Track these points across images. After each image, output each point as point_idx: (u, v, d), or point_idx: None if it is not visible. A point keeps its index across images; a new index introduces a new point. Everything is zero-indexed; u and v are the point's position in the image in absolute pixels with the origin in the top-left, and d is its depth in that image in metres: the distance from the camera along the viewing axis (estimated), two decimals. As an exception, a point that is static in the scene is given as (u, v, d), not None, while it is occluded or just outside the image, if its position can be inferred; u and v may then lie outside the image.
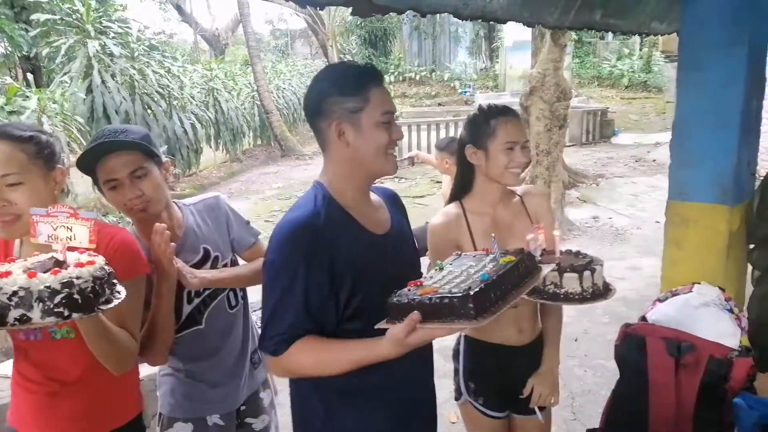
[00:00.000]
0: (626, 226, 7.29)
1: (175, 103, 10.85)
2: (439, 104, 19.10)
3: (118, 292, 1.27)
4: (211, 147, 13.58)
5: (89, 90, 8.99)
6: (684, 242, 2.50)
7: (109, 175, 1.64)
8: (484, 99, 18.42)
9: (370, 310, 1.38)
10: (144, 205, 1.69)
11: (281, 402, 3.61)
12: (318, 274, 1.36)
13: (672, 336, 1.88)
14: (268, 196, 11.04)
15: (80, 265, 1.20)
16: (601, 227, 7.33)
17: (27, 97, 7.51)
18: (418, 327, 1.21)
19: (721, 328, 1.90)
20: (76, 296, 1.14)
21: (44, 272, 1.15)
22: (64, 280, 1.14)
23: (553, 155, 6.85)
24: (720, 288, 2.23)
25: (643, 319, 2.15)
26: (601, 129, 14.10)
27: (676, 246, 2.52)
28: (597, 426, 2.02)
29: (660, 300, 2.28)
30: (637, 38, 22.56)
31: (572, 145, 12.99)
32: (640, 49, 21.49)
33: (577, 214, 7.82)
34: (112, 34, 9.50)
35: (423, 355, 1.55)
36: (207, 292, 1.87)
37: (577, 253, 1.70)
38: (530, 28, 8.89)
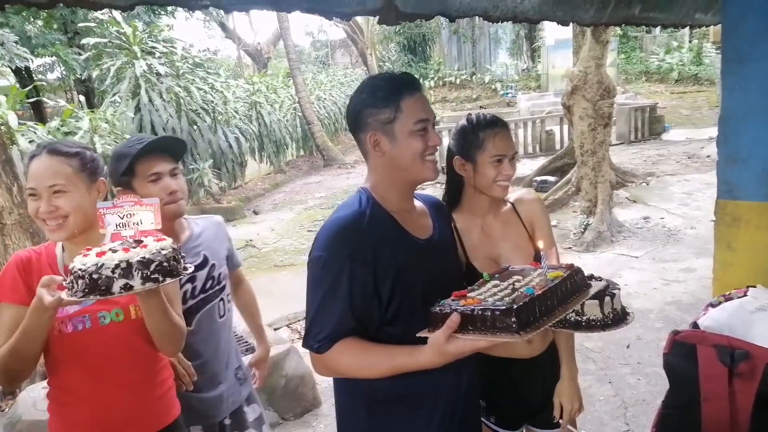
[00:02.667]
0: (679, 226, 7.00)
1: (219, 118, 11.14)
2: (481, 107, 18.95)
3: (186, 266, 1.45)
4: (255, 159, 13.87)
5: (137, 109, 9.33)
6: (736, 243, 2.37)
7: (152, 169, 1.84)
8: (526, 100, 18.17)
9: (410, 315, 1.42)
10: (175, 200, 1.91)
11: (325, 413, 3.65)
12: (362, 272, 1.39)
13: (724, 343, 1.77)
14: (311, 205, 11.16)
15: (160, 239, 1.41)
16: (653, 228, 7.06)
17: (80, 118, 7.86)
18: (459, 337, 1.22)
19: (778, 335, 1.78)
20: (165, 263, 1.35)
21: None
22: (154, 251, 1.34)
23: (598, 155, 6.65)
24: (777, 291, 2.09)
25: (695, 325, 2.04)
26: (651, 126, 13.62)
27: (728, 247, 2.39)
28: (647, 439, 1.93)
29: (712, 305, 2.16)
30: (686, 30, 21.83)
31: (620, 144, 12.62)
32: (690, 41, 20.76)
33: (626, 215, 7.56)
34: (158, 54, 9.84)
35: (466, 366, 1.53)
36: (203, 295, 1.97)
37: (591, 276, 1.62)
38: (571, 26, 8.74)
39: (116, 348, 1.61)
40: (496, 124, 1.83)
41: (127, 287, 1.30)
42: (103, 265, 1.29)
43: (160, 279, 1.34)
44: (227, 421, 2.07)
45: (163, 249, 1.37)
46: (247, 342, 3.90)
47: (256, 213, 11.18)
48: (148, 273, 1.32)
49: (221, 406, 2.04)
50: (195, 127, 10.27)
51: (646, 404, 3.43)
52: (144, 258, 1.32)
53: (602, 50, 6.46)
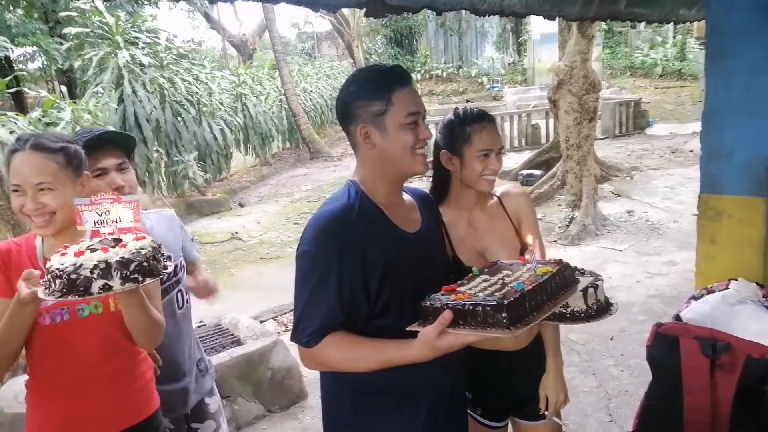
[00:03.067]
0: (662, 220, 7.09)
1: (204, 109, 11.02)
2: (467, 101, 18.96)
3: (166, 264, 1.44)
4: (240, 152, 13.78)
5: (121, 100, 9.20)
6: (718, 237, 2.40)
7: (97, 164, 1.84)
8: (512, 94, 18.22)
9: (398, 308, 1.43)
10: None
11: (311, 405, 3.65)
12: (351, 265, 1.39)
13: (707, 335, 1.80)
14: (298, 198, 11.13)
15: (139, 239, 1.39)
16: (637, 221, 7.14)
17: (62, 108, 7.72)
18: (450, 332, 1.22)
19: (759, 327, 1.81)
20: (144, 263, 1.34)
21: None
22: (133, 251, 1.33)
23: (583, 149, 6.70)
24: (758, 284, 2.13)
25: (677, 318, 2.07)
26: (635, 120, 13.75)
27: (710, 241, 2.42)
28: (631, 429, 1.96)
29: (695, 297, 2.19)
30: (670, 26, 21.98)
31: (605, 138, 12.72)
32: (674, 37, 20.93)
33: (611, 208, 7.63)
34: (141, 45, 9.70)
35: (453, 361, 1.53)
36: (163, 286, 1.95)
37: (575, 268, 1.64)
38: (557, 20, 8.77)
39: (95, 340, 1.60)
40: (483, 118, 1.83)
41: (106, 288, 1.29)
42: (81, 265, 1.27)
43: (140, 279, 1.33)
44: (190, 413, 2.10)
45: (142, 248, 1.36)
46: (232, 335, 3.90)
47: (241, 205, 11.12)
48: (128, 273, 1.31)
49: (187, 398, 2.06)
50: (180, 118, 10.16)
51: (629, 395, 3.48)
52: (123, 258, 1.31)
53: (588, 45, 6.49)
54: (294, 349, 3.79)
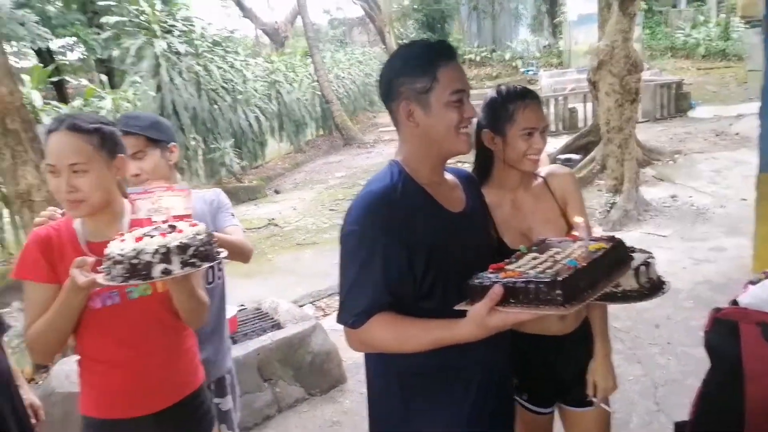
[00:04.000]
0: (708, 205, 6.85)
1: (239, 97, 11.12)
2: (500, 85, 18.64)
3: (219, 250, 1.47)
4: (275, 139, 13.88)
5: (158, 88, 9.34)
6: (779, 218, 2.29)
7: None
8: (548, 77, 17.85)
9: (444, 289, 1.40)
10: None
11: (351, 389, 3.67)
12: (396, 245, 1.36)
13: (769, 321, 1.71)
14: (332, 185, 11.16)
15: (193, 225, 1.42)
16: (681, 206, 6.92)
17: (102, 97, 7.90)
18: (501, 310, 1.18)
19: (826, 312, 1.71)
20: (201, 248, 1.37)
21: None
22: (190, 236, 1.36)
23: (625, 132, 6.50)
24: (824, 267, 2.02)
25: (734, 303, 1.98)
26: (677, 102, 13.29)
27: (770, 223, 2.31)
28: (684, 419, 1.88)
29: (752, 282, 2.09)
30: (713, 4, 21.20)
31: (645, 121, 12.34)
32: (717, 16, 20.15)
33: (653, 193, 7.41)
34: (177, 33, 9.81)
35: (500, 341, 1.50)
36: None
37: (630, 248, 1.56)
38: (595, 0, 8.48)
39: (144, 320, 1.63)
40: (526, 95, 1.77)
41: (167, 272, 1.32)
42: (142, 250, 1.30)
43: (197, 264, 1.36)
44: (212, 387, 2.13)
45: (198, 234, 1.39)
46: (272, 319, 3.93)
47: (277, 192, 11.21)
48: (186, 258, 1.34)
49: (207, 368, 2.07)
50: (215, 106, 10.27)
51: (677, 384, 3.38)
52: (182, 243, 1.34)
53: (629, 23, 6.27)
54: (333, 333, 3.84)
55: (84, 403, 1.68)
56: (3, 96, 3.53)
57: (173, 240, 1.33)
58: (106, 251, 1.36)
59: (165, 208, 1.45)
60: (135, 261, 1.29)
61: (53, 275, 1.54)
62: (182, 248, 1.33)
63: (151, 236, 1.35)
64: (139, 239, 1.33)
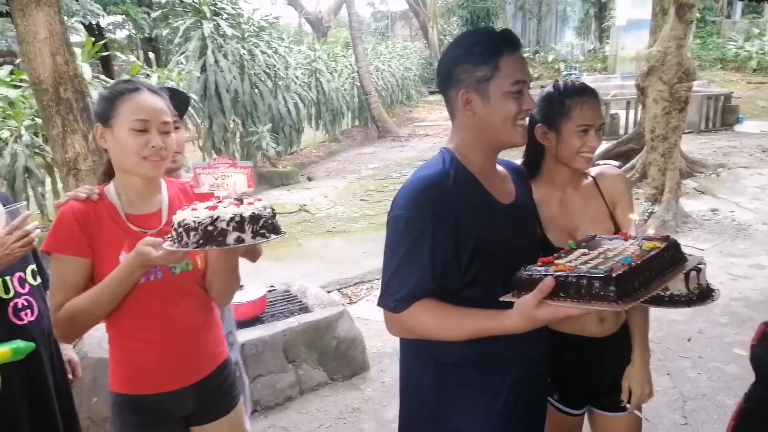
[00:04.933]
0: (750, 221, 6.64)
1: (280, 83, 11.20)
2: (542, 87, 18.41)
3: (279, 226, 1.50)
4: (311, 126, 13.95)
5: (203, 69, 9.47)
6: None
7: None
8: (591, 82, 17.45)
9: (488, 280, 1.38)
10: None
11: (373, 377, 3.68)
12: (445, 232, 1.35)
13: (819, 338, 1.65)
14: (365, 176, 11.17)
15: (251, 203, 1.43)
16: (722, 221, 6.73)
17: (148, 75, 8.06)
18: (550, 303, 1.16)
19: None
20: (269, 221, 1.40)
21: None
22: (260, 208, 1.39)
23: (670, 141, 6.34)
24: None
25: (781, 318, 1.92)
26: (723, 115, 12.92)
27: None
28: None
29: (801, 299, 2.03)
30: (769, 16, 20.49)
31: (689, 132, 12.02)
32: (774, 29, 19.50)
33: (693, 205, 7.23)
34: (225, 16, 9.92)
35: (539, 337, 1.49)
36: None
37: None
38: (647, 4, 8.28)
39: (183, 295, 1.65)
40: (584, 92, 1.73)
41: (239, 240, 1.35)
42: (218, 218, 1.34)
43: (266, 234, 1.39)
44: None
45: (266, 207, 1.42)
46: (300, 302, 3.96)
47: (310, 179, 11.28)
48: (257, 228, 1.37)
49: None
50: (256, 90, 10.36)
51: (706, 399, 3.30)
52: (254, 213, 1.37)
53: (685, 30, 6.10)
54: (359, 321, 3.85)
55: (118, 380, 1.67)
56: (59, 65, 3.62)
57: (246, 210, 1.37)
58: (177, 218, 1.39)
59: (227, 185, 1.48)
60: (211, 228, 1.33)
61: (89, 250, 1.54)
62: (254, 219, 1.37)
63: (225, 206, 1.38)
64: (213, 208, 1.36)
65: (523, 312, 1.20)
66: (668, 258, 1.28)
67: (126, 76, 8.31)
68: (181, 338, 1.66)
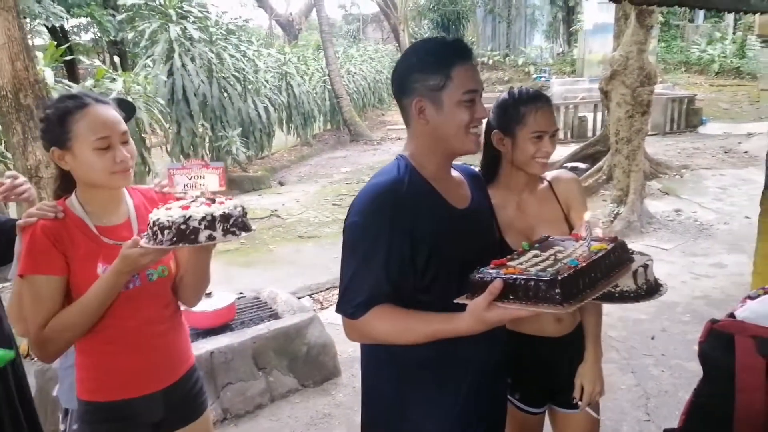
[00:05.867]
0: (712, 221, 6.84)
1: (249, 86, 11.13)
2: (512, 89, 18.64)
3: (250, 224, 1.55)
4: (282, 130, 13.89)
5: (170, 73, 9.35)
6: (781, 236, 2.29)
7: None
8: (560, 85, 17.84)
9: (444, 284, 1.40)
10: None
11: (344, 383, 3.68)
12: (399, 238, 1.38)
13: (764, 334, 1.72)
14: (337, 180, 11.16)
15: (229, 199, 1.49)
16: (684, 221, 6.91)
17: (114, 79, 7.91)
18: (500, 305, 1.19)
19: (822, 331, 1.72)
20: (240, 219, 1.45)
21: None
22: (231, 208, 1.44)
23: (633, 143, 6.49)
24: (822, 287, 2.02)
25: (731, 316, 1.99)
26: (687, 117, 13.26)
27: (772, 240, 2.32)
28: (676, 426, 1.89)
29: (751, 297, 2.10)
30: (730, 21, 21.11)
31: (654, 135, 12.31)
32: (734, 33, 20.08)
33: (657, 206, 7.41)
34: (192, 19, 9.82)
35: (498, 339, 1.52)
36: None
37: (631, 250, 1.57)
38: (613, 9, 8.46)
39: (158, 301, 1.67)
40: (538, 99, 1.78)
41: (211, 237, 1.40)
42: (191, 217, 1.39)
43: (237, 233, 1.43)
44: None
45: (236, 207, 1.46)
46: (270, 308, 3.95)
47: (281, 184, 11.23)
48: (228, 226, 1.42)
49: None
50: (225, 94, 10.27)
51: (669, 396, 3.39)
52: (224, 213, 1.42)
53: (645, 35, 6.26)
54: (330, 326, 3.85)
55: (87, 388, 1.65)
56: (18, 71, 3.55)
57: (217, 210, 1.42)
58: (152, 217, 1.42)
59: (200, 184, 1.53)
60: (183, 227, 1.38)
61: (65, 266, 1.53)
62: (225, 217, 1.41)
63: (197, 205, 1.43)
64: (186, 207, 1.41)
65: (475, 314, 1.23)
66: (615, 259, 1.31)
67: (90, 80, 8.16)
68: (157, 341, 1.67)
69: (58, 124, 1.52)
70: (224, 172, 1.56)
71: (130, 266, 1.47)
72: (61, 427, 1.97)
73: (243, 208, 1.49)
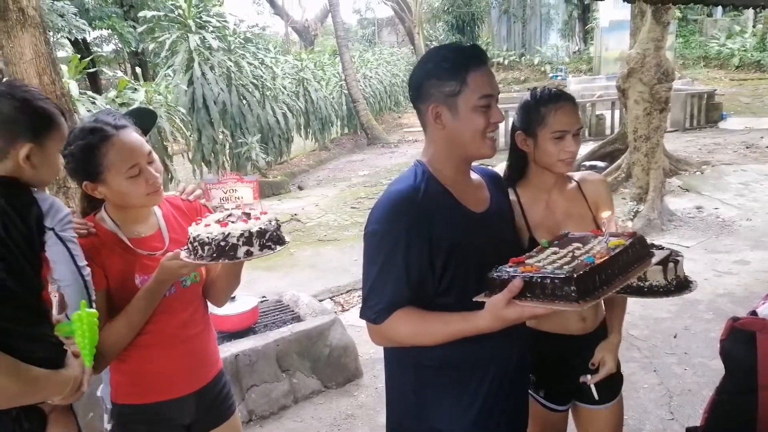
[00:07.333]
0: (734, 218, 6.75)
1: (267, 93, 11.26)
2: (528, 89, 18.57)
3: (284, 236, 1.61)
4: (301, 136, 14.01)
5: (190, 82, 9.51)
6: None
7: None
8: (577, 83, 17.70)
9: (463, 287, 1.43)
10: None
11: (366, 384, 3.72)
12: (418, 244, 1.40)
13: (786, 332, 1.72)
14: (355, 183, 11.22)
15: (264, 213, 1.57)
16: (706, 218, 6.83)
17: (135, 89, 8.08)
18: (518, 303, 1.22)
19: (844, 327, 1.71)
20: (275, 233, 1.52)
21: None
22: (266, 223, 1.51)
23: (652, 141, 6.44)
24: None
25: (753, 313, 1.99)
26: (707, 113, 13.08)
27: (794, 236, 2.30)
28: (699, 424, 1.90)
29: (773, 294, 2.09)
30: (749, 14, 20.78)
31: (674, 131, 12.18)
32: (754, 26, 19.75)
33: (678, 203, 7.33)
34: (210, 29, 9.98)
35: (518, 334, 1.54)
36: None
37: (652, 245, 1.59)
38: (629, 6, 8.41)
39: (191, 305, 1.75)
40: (559, 98, 1.78)
41: (248, 253, 1.47)
42: (229, 234, 1.46)
43: (272, 246, 1.50)
44: None
45: (271, 221, 1.53)
46: (292, 311, 4.01)
47: (300, 188, 11.32)
48: (264, 241, 1.49)
49: None
50: (244, 101, 10.42)
51: (692, 395, 3.36)
52: (260, 228, 1.49)
53: (662, 32, 6.21)
54: (351, 328, 3.89)
55: (123, 391, 1.71)
56: (46, 85, 3.65)
57: (254, 226, 1.48)
58: (192, 233, 1.49)
59: (235, 197, 1.60)
60: (223, 243, 1.45)
61: (105, 281, 1.58)
62: (261, 233, 1.48)
63: (235, 222, 1.50)
64: (224, 224, 1.48)
65: (494, 311, 1.26)
66: (633, 254, 1.32)
67: (113, 91, 8.33)
68: (188, 346, 1.74)
69: (85, 161, 1.53)
70: (258, 185, 1.62)
71: (170, 276, 1.57)
72: (107, 426, 2.03)
73: (277, 221, 1.55)
